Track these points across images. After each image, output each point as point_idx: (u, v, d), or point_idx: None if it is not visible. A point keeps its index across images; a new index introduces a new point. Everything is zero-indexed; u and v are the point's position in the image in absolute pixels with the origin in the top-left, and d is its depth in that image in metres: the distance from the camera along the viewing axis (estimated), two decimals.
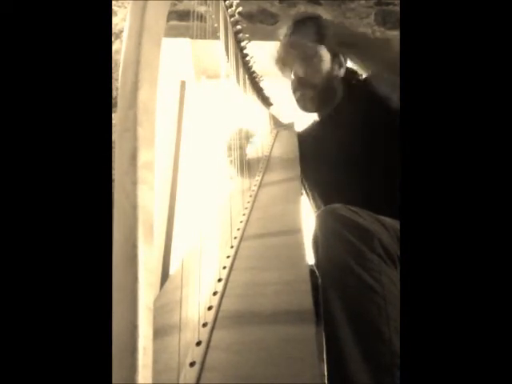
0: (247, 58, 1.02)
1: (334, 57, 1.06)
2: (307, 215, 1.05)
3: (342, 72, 1.08)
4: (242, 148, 1.03)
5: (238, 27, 0.91)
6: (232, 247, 0.61)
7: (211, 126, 1.02)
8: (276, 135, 1.25)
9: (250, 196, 0.81)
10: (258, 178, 0.91)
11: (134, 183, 0.33)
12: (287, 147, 1.08)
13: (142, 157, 0.34)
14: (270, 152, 1.13)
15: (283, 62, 1.06)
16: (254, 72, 1.10)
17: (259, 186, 0.85)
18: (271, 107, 1.29)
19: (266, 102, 1.24)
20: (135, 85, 0.35)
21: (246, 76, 1.07)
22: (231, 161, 0.98)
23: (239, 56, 0.98)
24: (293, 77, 1.05)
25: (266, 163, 1.01)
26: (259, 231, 0.64)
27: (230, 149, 1.02)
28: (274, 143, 1.20)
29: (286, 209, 0.69)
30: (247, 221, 0.69)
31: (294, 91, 1.07)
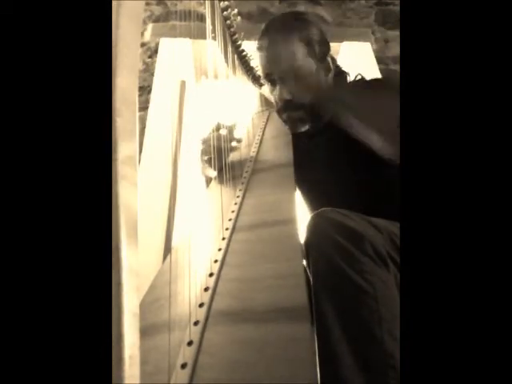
0: (235, 36, 0.97)
1: (321, 62, 0.90)
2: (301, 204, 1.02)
3: (331, 77, 0.92)
4: (231, 133, 0.97)
5: (226, 3, 0.87)
6: (224, 239, 0.59)
7: (205, 120, 0.96)
8: (268, 117, 1.22)
9: (242, 183, 0.78)
10: (250, 164, 0.88)
11: (115, 180, 0.30)
12: (280, 130, 1.04)
13: (122, 150, 0.31)
14: (262, 135, 1.10)
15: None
16: (243, 50, 1.05)
17: (251, 173, 0.83)
18: (263, 87, 1.24)
19: (257, 81, 1.20)
20: (113, 71, 0.32)
21: (236, 56, 1.03)
22: (220, 149, 0.90)
23: (227, 33, 0.93)
24: (276, 98, 0.90)
25: (258, 148, 0.98)
26: (252, 222, 0.62)
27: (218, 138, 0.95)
28: (266, 126, 1.17)
29: (279, 197, 0.66)
30: (239, 210, 0.66)
31: (280, 112, 0.93)
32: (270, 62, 0.87)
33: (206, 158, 0.90)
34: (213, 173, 0.90)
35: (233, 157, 0.96)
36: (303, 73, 0.86)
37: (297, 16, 0.92)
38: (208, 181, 0.95)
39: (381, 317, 0.49)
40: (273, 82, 0.91)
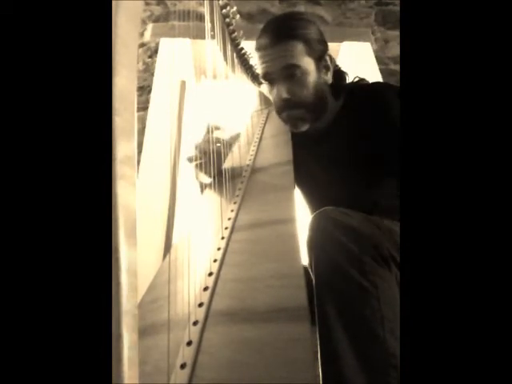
0: (234, 35, 0.97)
1: (319, 61, 0.89)
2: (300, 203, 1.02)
3: (329, 77, 0.91)
4: (229, 133, 0.96)
5: (225, 1, 0.87)
6: (223, 238, 0.59)
7: (205, 119, 0.95)
8: (268, 115, 1.21)
9: (241, 182, 0.78)
10: (249, 163, 0.88)
11: (113, 180, 0.30)
12: (279, 128, 1.04)
13: (121, 150, 0.31)
14: (262, 133, 1.10)
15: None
16: (242, 49, 1.05)
17: (251, 172, 0.83)
18: (262, 86, 1.24)
19: (256, 80, 1.19)
20: (112, 70, 0.31)
21: (235, 54, 1.03)
22: (219, 147, 0.89)
23: (226, 31, 0.93)
24: (275, 98, 0.90)
25: (257, 146, 0.98)
26: (251, 221, 0.62)
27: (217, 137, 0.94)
28: (265, 124, 1.16)
29: (278, 196, 0.66)
30: (238, 209, 0.66)
31: (279, 112, 0.92)
32: (269, 60, 0.87)
33: (194, 163, 0.87)
34: (206, 179, 0.88)
35: (232, 156, 0.95)
36: (302, 71, 0.85)
37: (295, 16, 0.92)
38: (202, 187, 0.92)
39: (383, 316, 0.49)
40: (271, 82, 0.90)
